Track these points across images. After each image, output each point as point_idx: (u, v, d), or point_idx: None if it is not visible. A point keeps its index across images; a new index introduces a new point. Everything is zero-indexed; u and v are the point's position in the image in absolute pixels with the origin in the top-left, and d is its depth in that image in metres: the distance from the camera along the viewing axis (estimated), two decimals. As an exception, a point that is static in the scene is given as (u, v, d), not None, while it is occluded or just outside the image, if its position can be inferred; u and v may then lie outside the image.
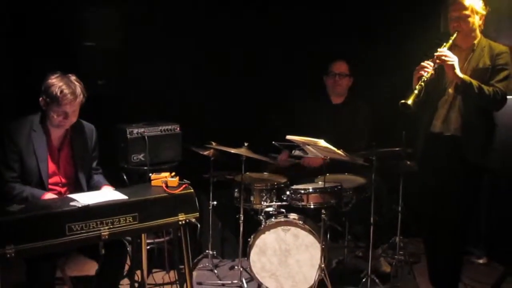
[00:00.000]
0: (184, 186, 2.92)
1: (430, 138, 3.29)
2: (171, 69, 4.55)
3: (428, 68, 3.06)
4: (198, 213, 2.93)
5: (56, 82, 2.85)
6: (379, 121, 4.17)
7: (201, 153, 3.79)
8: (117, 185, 3.17)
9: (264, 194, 3.68)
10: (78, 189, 3.02)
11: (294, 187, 3.60)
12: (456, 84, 3.13)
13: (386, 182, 3.87)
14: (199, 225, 2.96)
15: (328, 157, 3.41)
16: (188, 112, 4.34)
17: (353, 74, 4.22)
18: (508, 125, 3.76)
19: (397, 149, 3.57)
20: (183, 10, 4.57)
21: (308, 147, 3.38)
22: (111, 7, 4.48)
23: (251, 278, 3.64)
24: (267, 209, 3.66)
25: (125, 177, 3.74)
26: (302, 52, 4.65)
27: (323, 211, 3.42)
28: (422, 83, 3.03)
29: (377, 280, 3.57)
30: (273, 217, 3.60)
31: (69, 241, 2.53)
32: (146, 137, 3.64)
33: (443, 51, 3.08)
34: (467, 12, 3.16)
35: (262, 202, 3.67)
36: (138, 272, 3.39)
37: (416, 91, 3.00)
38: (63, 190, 3.02)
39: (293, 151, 3.56)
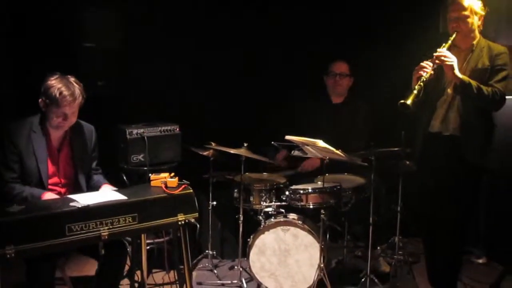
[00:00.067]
0: (183, 186, 2.93)
1: (429, 138, 3.29)
2: (171, 69, 4.55)
3: (427, 68, 3.06)
4: (197, 214, 2.94)
5: (55, 84, 2.85)
6: (379, 121, 4.18)
7: (201, 153, 3.80)
8: (117, 185, 3.18)
9: (263, 194, 3.68)
10: (78, 189, 3.03)
11: (293, 187, 3.61)
12: (455, 84, 3.14)
13: (385, 182, 3.88)
14: (198, 225, 2.96)
15: (327, 157, 3.42)
16: (188, 113, 4.34)
17: (353, 74, 4.23)
18: (507, 125, 3.77)
19: (396, 149, 3.58)
20: (183, 10, 4.58)
21: (307, 147, 3.39)
22: (111, 7, 4.48)
23: (251, 278, 3.65)
24: (267, 209, 3.67)
25: (124, 177, 3.74)
26: (302, 52, 4.66)
27: (322, 211, 3.43)
28: (421, 83, 3.03)
29: (376, 280, 3.57)
30: (273, 217, 3.61)
31: (69, 241, 2.53)
32: (145, 138, 3.64)
33: (442, 51, 3.09)
34: (466, 13, 3.16)
35: (262, 202, 3.68)
36: (138, 272, 3.40)
37: (415, 91, 3.01)
38: (62, 190, 3.03)
39: (292, 152, 3.57)
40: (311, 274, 3.45)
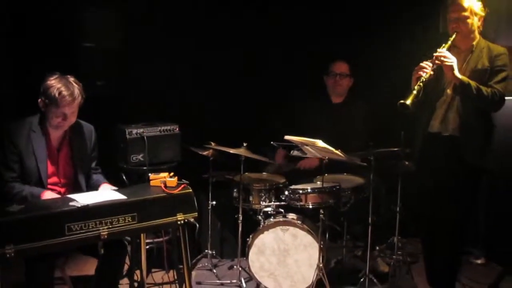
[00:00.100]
0: (182, 186, 2.93)
1: (428, 138, 3.30)
2: (171, 69, 4.56)
3: (426, 68, 3.07)
4: (196, 213, 2.94)
5: (54, 84, 2.86)
6: (378, 121, 4.18)
7: (200, 153, 3.80)
8: (117, 185, 3.18)
9: (263, 194, 3.69)
10: (77, 189, 3.03)
11: (293, 187, 3.61)
12: (454, 85, 3.14)
13: (384, 182, 3.89)
14: (197, 225, 2.95)
15: (327, 157, 3.42)
16: (188, 113, 4.35)
17: (353, 74, 4.23)
18: (507, 126, 3.78)
19: (395, 149, 3.59)
20: (183, 10, 4.58)
21: (307, 147, 3.40)
22: (111, 7, 4.49)
23: (250, 277, 3.66)
24: (266, 209, 3.67)
25: (124, 177, 3.75)
26: (302, 52, 4.66)
27: (321, 211, 3.43)
28: (421, 84, 3.04)
29: (375, 280, 3.58)
30: (272, 217, 3.61)
31: (69, 241, 2.54)
32: (145, 138, 3.65)
33: (442, 51, 3.09)
34: (466, 14, 3.17)
35: (261, 202, 3.69)
36: (138, 271, 3.40)
37: (414, 92, 3.02)
38: (62, 190, 3.03)
39: (291, 152, 3.58)
40: (310, 274, 3.45)
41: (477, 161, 3.17)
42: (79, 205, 2.61)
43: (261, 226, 3.59)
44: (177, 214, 2.86)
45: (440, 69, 3.14)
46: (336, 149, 3.31)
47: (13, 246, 2.40)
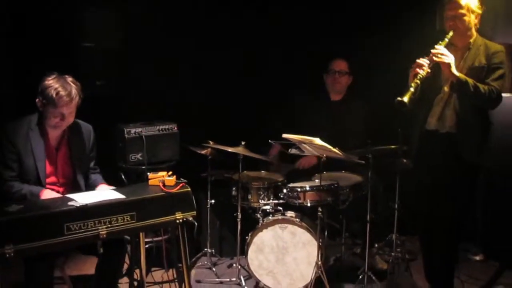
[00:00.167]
0: (181, 185, 2.95)
1: (425, 136, 3.30)
2: (171, 69, 4.56)
3: (424, 65, 3.07)
4: (195, 212, 2.95)
5: (52, 84, 2.87)
6: (376, 119, 4.19)
7: (199, 152, 3.82)
8: (116, 184, 3.20)
9: (261, 193, 3.71)
10: (76, 189, 3.04)
11: (291, 185, 3.63)
12: (451, 82, 3.14)
13: (382, 180, 3.90)
14: (196, 224, 2.97)
15: (325, 155, 3.43)
16: (187, 112, 4.35)
17: (352, 72, 4.25)
18: (504, 123, 3.78)
19: (393, 147, 3.60)
20: (183, 10, 4.58)
21: (304, 145, 3.41)
22: (111, 7, 4.49)
23: (249, 275, 3.68)
24: (265, 207, 3.69)
25: (123, 176, 3.76)
26: (302, 52, 4.66)
27: (319, 209, 3.44)
28: (418, 81, 3.03)
29: (373, 277, 3.60)
30: (271, 215, 3.63)
31: (68, 240, 2.55)
32: (143, 137, 3.66)
33: (440, 48, 3.09)
34: (463, 11, 3.17)
35: (260, 200, 3.71)
36: (137, 270, 3.42)
37: (412, 89, 3.01)
38: (61, 189, 3.04)
39: (289, 150, 3.59)
40: (309, 271, 3.46)
41: (474, 159, 3.17)
42: (78, 205, 2.62)
43: (259, 224, 3.60)
44: (176, 213, 2.87)
45: (438, 67, 3.14)
46: (334, 147, 3.32)
47: (12, 246, 2.41)
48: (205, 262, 4.02)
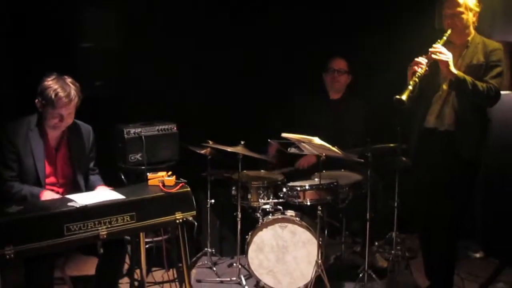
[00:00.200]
0: (180, 185, 2.95)
1: (424, 134, 3.31)
2: (171, 69, 4.56)
3: (422, 64, 3.08)
4: (195, 212, 2.96)
5: (51, 85, 2.86)
6: (375, 118, 4.19)
7: (198, 152, 3.82)
8: (116, 185, 3.20)
9: (261, 192, 3.71)
10: (77, 189, 3.04)
11: (291, 184, 3.64)
12: (450, 80, 3.15)
13: (382, 178, 3.90)
14: (196, 223, 2.98)
15: (324, 154, 3.44)
16: (187, 112, 4.35)
17: (351, 71, 4.25)
18: (503, 121, 3.80)
19: (392, 145, 3.61)
20: (183, 10, 4.58)
21: (303, 144, 3.41)
22: (111, 7, 4.49)
23: (250, 275, 3.68)
24: (264, 207, 3.70)
25: (123, 177, 3.76)
26: (302, 52, 4.65)
27: (319, 207, 3.45)
28: (416, 79, 3.05)
29: (374, 276, 3.60)
30: (270, 215, 3.64)
31: (68, 241, 2.56)
32: (143, 137, 3.66)
33: (437, 47, 3.10)
34: (460, 9, 3.18)
35: (259, 200, 3.71)
36: (138, 270, 3.42)
37: (410, 87, 3.03)
38: (60, 190, 3.04)
39: (288, 149, 3.59)
40: (309, 270, 3.47)
41: (473, 156, 3.19)
42: (78, 206, 2.62)
43: (259, 223, 3.61)
44: (176, 213, 2.88)
45: (436, 65, 3.15)
46: (333, 145, 3.33)
47: (12, 247, 2.42)
48: (206, 262, 4.02)
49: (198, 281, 3.82)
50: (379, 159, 3.61)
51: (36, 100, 2.92)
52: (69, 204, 2.65)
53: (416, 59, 3.10)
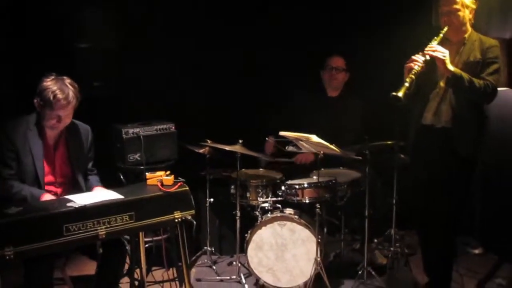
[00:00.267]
0: (179, 184, 2.96)
1: (421, 131, 3.31)
2: (170, 69, 4.56)
3: (418, 61, 3.09)
4: (193, 211, 2.97)
5: (50, 86, 2.87)
6: (373, 115, 4.20)
7: (197, 151, 3.83)
8: (114, 185, 3.20)
9: (260, 190, 3.72)
10: (76, 189, 3.05)
11: (289, 182, 3.65)
12: (447, 78, 3.16)
13: (380, 175, 3.91)
14: (195, 222, 2.98)
15: (322, 152, 3.45)
16: (187, 113, 4.36)
17: (349, 69, 4.26)
18: (500, 117, 3.80)
19: (389, 142, 3.62)
20: (183, 10, 4.58)
21: (301, 142, 3.42)
22: (111, 7, 4.49)
23: (249, 273, 3.69)
24: (263, 205, 3.70)
25: (122, 177, 3.77)
26: (302, 52, 4.65)
27: (317, 205, 3.46)
28: (413, 76, 3.06)
29: (373, 273, 3.61)
30: (269, 213, 3.65)
31: (67, 241, 2.56)
32: (141, 137, 3.67)
33: (433, 45, 3.11)
34: (457, 6, 3.18)
35: (258, 198, 3.72)
36: (138, 270, 3.43)
37: (406, 84, 3.04)
38: (59, 190, 3.04)
39: (287, 147, 3.61)
40: (308, 268, 3.48)
41: (470, 153, 3.19)
42: (77, 206, 2.63)
43: (258, 221, 3.62)
44: (174, 212, 2.88)
45: (433, 62, 3.15)
46: (331, 143, 3.34)
47: (12, 248, 2.42)
48: (205, 261, 4.03)
49: (198, 280, 3.83)
50: (377, 157, 3.62)
51: (35, 100, 2.92)
52: (68, 204, 2.65)
53: (412, 56, 3.11)
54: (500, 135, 3.86)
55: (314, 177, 3.58)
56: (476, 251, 4.17)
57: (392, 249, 3.88)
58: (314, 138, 3.29)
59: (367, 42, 4.43)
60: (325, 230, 3.86)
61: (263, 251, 3.59)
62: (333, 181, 3.56)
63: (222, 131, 3.93)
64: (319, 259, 3.42)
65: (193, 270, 3.97)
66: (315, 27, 4.65)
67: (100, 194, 2.84)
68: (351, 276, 3.69)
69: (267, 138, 4.14)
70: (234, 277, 3.77)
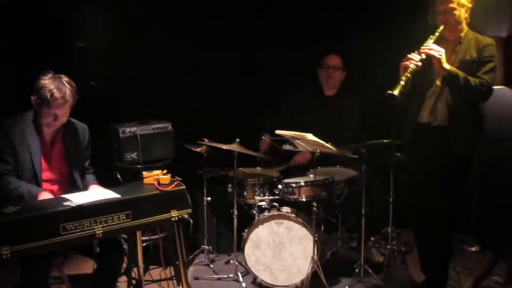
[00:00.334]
0: (176, 183, 2.97)
1: (418, 129, 3.33)
2: (170, 69, 4.56)
3: (413, 59, 3.09)
4: (190, 210, 2.97)
5: (47, 84, 2.86)
6: (369, 114, 4.21)
7: (194, 150, 3.84)
8: (111, 184, 3.20)
9: (257, 189, 3.74)
10: (74, 186, 3.06)
11: (286, 181, 3.66)
12: (443, 76, 3.17)
13: (376, 174, 3.92)
14: (191, 221, 2.99)
15: (318, 151, 3.46)
16: (187, 113, 4.36)
17: (346, 68, 4.27)
18: (496, 116, 3.81)
19: (386, 141, 3.63)
20: (183, 10, 4.58)
21: (297, 141, 3.43)
22: (111, 7, 4.49)
23: (247, 271, 3.70)
24: (260, 203, 3.72)
25: (119, 176, 3.78)
26: (302, 52, 4.65)
27: (314, 203, 3.47)
28: (408, 74, 3.06)
29: (370, 271, 3.63)
30: (266, 211, 3.66)
31: (64, 240, 2.57)
32: (138, 136, 3.68)
33: (429, 44, 3.12)
34: (453, 5, 3.19)
35: (255, 197, 3.74)
36: (136, 269, 3.43)
37: (402, 82, 3.04)
38: (55, 187, 3.04)
39: (283, 146, 3.61)
40: (305, 266, 3.49)
41: (466, 151, 3.20)
42: (74, 205, 2.63)
43: (256, 220, 3.63)
44: (171, 211, 2.89)
45: (430, 61, 3.16)
46: (327, 142, 3.35)
47: (9, 247, 2.42)
48: (203, 259, 4.04)
49: (196, 278, 3.84)
50: (374, 155, 3.63)
51: (32, 98, 2.92)
52: (65, 203, 2.65)
53: (408, 55, 3.12)
54: (496, 133, 3.87)
55: (311, 175, 3.59)
56: (473, 249, 4.19)
57: (389, 247, 3.89)
58: (310, 136, 3.30)
59: (366, 41, 4.44)
60: (322, 228, 3.87)
61: (260, 250, 3.60)
62: (330, 180, 3.57)
63: (221, 131, 3.93)
64: (316, 257, 3.43)
65: (191, 268, 3.98)
66: (315, 27, 4.66)
67: (97, 193, 2.85)
68: (348, 274, 3.70)
69: (263, 137, 4.15)
70: (231, 275, 3.78)
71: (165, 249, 3.69)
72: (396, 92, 3.00)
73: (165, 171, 3.03)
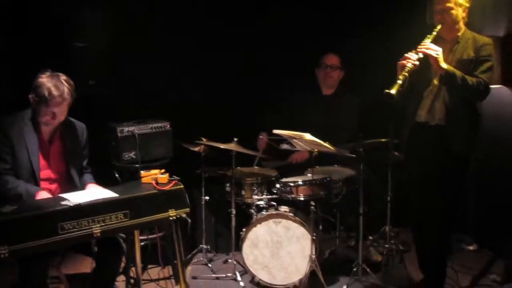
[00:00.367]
0: (174, 182, 2.98)
1: (415, 128, 3.33)
2: (170, 69, 4.56)
3: (410, 59, 3.10)
4: (188, 209, 2.98)
5: (45, 82, 2.87)
6: (368, 113, 4.21)
7: (192, 149, 3.84)
8: (109, 183, 3.21)
9: (255, 188, 3.74)
10: (71, 185, 3.06)
11: (284, 180, 3.66)
12: (440, 75, 3.17)
13: (374, 173, 3.93)
14: (189, 220, 3.00)
15: (316, 150, 3.46)
16: (186, 113, 4.36)
17: (344, 67, 4.27)
18: (493, 115, 3.81)
19: (384, 140, 3.63)
20: (183, 10, 4.58)
21: (295, 140, 3.43)
22: (111, 7, 4.48)
23: (245, 271, 3.71)
24: (258, 203, 3.72)
25: (117, 175, 3.78)
26: (302, 52, 4.65)
27: (312, 202, 3.47)
28: (406, 73, 3.07)
29: (368, 270, 3.63)
30: (264, 210, 3.66)
31: (62, 240, 2.58)
32: (136, 135, 3.68)
33: (426, 43, 3.12)
34: (450, 5, 3.20)
35: (253, 196, 3.74)
36: (134, 268, 3.44)
37: (399, 81, 3.05)
38: (53, 186, 3.04)
39: (281, 145, 3.62)
40: (303, 265, 3.50)
41: (463, 151, 3.21)
42: (72, 204, 2.64)
43: (254, 219, 3.63)
44: (169, 210, 2.90)
45: (427, 60, 3.17)
46: (325, 141, 3.35)
47: (7, 247, 2.43)
48: (201, 259, 4.04)
49: (194, 277, 3.84)
50: (371, 154, 3.63)
51: (30, 96, 2.93)
52: (63, 203, 2.66)
53: (406, 54, 3.13)
54: (494, 132, 3.87)
55: (309, 174, 3.60)
56: (471, 248, 4.19)
57: (387, 246, 3.90)
58: (308, 136, 3.30)
59: (366, 41, 4.44)
60: (320, 227, 3.88)
61: (258, 249, 3.61)
62: (328, 179, 3.58)
63: (221, 131, 3.94)
64: (314, 256, 3.44)
65: (189, 268, 3.98)
66: (315, 27, 4.66)
67: (95, 193, 2.85)
68: (346, 273, 3.71)
69: (260, 136, 4.16)
70: (229, 274, 3.79)
71: (163, 248, 3.71)
72: (393, 91, 3.00)
73: (163, 171, 3.03)
